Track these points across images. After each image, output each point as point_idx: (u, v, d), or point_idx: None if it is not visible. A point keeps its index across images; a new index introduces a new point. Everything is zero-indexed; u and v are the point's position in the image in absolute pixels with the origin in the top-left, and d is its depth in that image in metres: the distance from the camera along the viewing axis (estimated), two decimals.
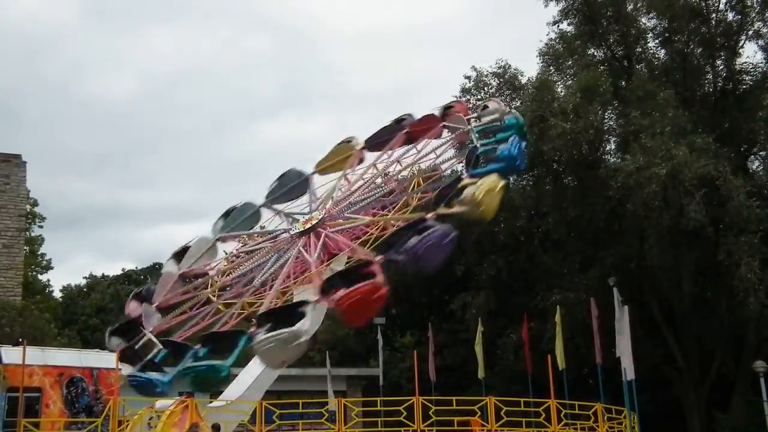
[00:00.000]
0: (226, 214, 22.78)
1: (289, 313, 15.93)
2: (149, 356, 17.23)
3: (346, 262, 19.05)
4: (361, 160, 23.15)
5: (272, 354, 15.71)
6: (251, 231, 23.01)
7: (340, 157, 23.11)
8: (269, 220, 22.94)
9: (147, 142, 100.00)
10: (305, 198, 22.85)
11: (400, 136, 22.48)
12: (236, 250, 22.56)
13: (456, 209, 16.73)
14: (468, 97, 34.84)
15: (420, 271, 16.80)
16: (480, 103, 25.34)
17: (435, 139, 22.24)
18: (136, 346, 18.03)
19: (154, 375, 16.73)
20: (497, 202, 17.08)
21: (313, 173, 23.46)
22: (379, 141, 22.77)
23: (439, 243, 15.94)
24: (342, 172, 22.67)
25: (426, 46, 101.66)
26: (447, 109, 22.49)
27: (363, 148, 23.09)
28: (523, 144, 19.34)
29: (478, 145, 19.96)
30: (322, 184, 22.95)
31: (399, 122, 22.77)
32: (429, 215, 16.72)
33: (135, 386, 17.04)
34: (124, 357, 17.84)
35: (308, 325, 15.39)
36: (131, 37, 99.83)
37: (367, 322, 20.09)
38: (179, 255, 21.72)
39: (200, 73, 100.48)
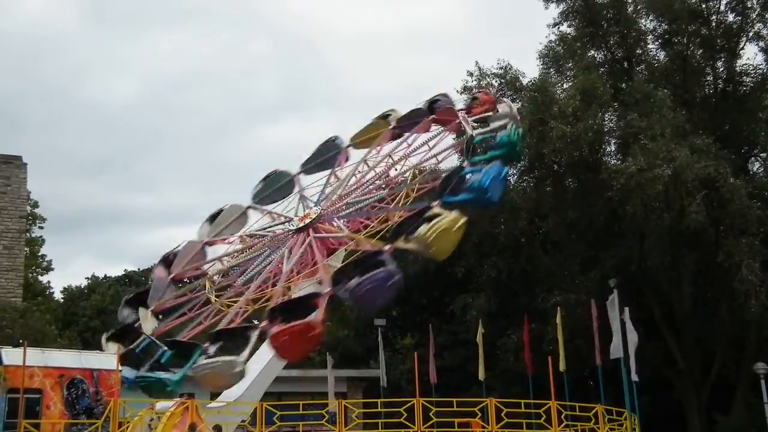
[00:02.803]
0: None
1: (237, 336, 16.16)
2: (154, 357, 17.25)
3: (344, 260, 19.13)
4: (397, 136, 23.03)
5: (210, 380, 16.14)
6: (246, 231, 23.03)
7: (372, 133, 23.14)
8: (257, 222, 23.00)
9: (149, 145, 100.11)
10: (291, 198, 22.93)
11: (388, 132, 22.58)
12: (234, 249, 22.56)
13: (409, 246, 16.50)
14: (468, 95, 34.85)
15: (362, 311, 16.80)
16: (473, 95, 25.12)
17: (423, 132, 22.30)
18: (138, 350, 18.07)
19: (163, 374, 16.75)
20: (454, 241, 16.68)
21: (300, 173, 23.46)
22: (407, 123, 22.74)
23: (381, 286, 15.75)
24: (330, 170, 22.81)
25: (427, 48, 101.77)
26: (433, 103, 22.54)
27: (393, 128, 23.12)
28: (504, 172, 18.68)
29: (474, 134, 19.95)
30: (309, 183, 23.09)
31: (432, 104, 22.58)
32: (386, 248, 16.56)
33: (144, 387, 17.02)
34: (126, 360, 17.89)
35: (246, 355, 15.73)
36: (133, 41, 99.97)
37: (303, 357, 20.13)
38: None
39: (201, 76, 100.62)
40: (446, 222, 16.34)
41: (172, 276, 21.14)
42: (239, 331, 17.12)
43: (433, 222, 16.32)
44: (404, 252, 16.51)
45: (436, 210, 16.73)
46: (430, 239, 16.13)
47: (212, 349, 16.34)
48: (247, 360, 16.11)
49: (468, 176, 18.57)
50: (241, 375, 16.01)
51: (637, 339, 24.74)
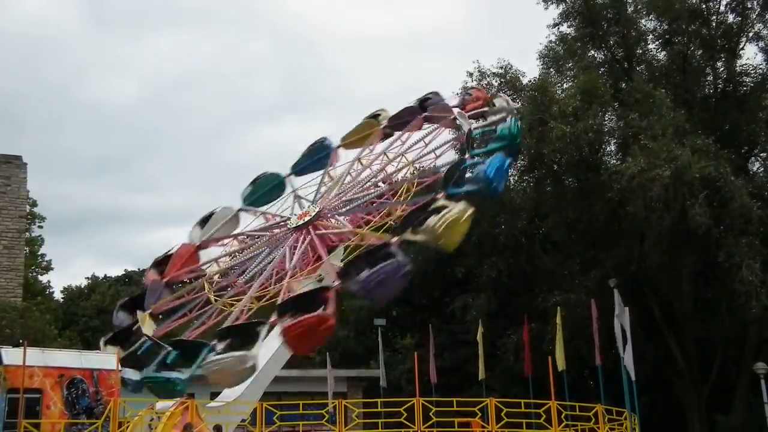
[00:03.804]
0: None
1: (246, 333, 16.14)
2: (159, 358, 17.22)
3: (346, 256, 19.14)
4: (387, 136, 23.08)
5: (221, 376, 16.02)
6: (241, 231, 23.00)
7: (362, 133, 23.16)
8: (250, 224, 22.98)
9: (148, 146, 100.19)
10: (284, 199, 22.93)
11: (379, 132, 22.60)
12: (231, 250, 22.55)
13: (418, 237, 16.48)
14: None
15: (373, 303, 16.75)
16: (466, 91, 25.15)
17: (416, 131, 22.32)
18: (139, 351, 18.04)
19: (172, 374, 16.70)
20: (462, 232, 16.65)
21: (290, 174, 23.48)
22: (399, 122, 22.77)
23: (391, 277, 15.76)
24: (323, 170, 22.83)
25: (427, 49, 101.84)
26: (424, 101, 22.56)
27: (385, 127, 23.14)
28: (507, 162, 18.73)
29: (471, 128, 19.97)
30: (301, 185, 23.09)
31: (423, 102, 22.61)
32: (394, 240, 16.52)
33: (152, 388, 16.92)
34: (127, 362, 17.86)
35: (257, 349, 15.67)
36: (133, 41, 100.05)
37: (313, 351, 20.04)
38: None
39: (201, 77, 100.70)
40: (455, 213, 16.35)
41: (166, 279, 21.10)
42: (249, 326, 17.00)
43: (442, 213, 16.31)
44: (408, 247, 16.44)
45: (443, 202, 16.74)
46: (439, 230, 16.12)
47: (221, 346, 16.25)
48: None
49: (470, 168, 18.67)
50: (254, 369, 15.86)
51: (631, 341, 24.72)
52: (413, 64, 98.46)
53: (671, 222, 28.18)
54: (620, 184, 28.23)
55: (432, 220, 16.24)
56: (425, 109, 22.40)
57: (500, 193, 19.32)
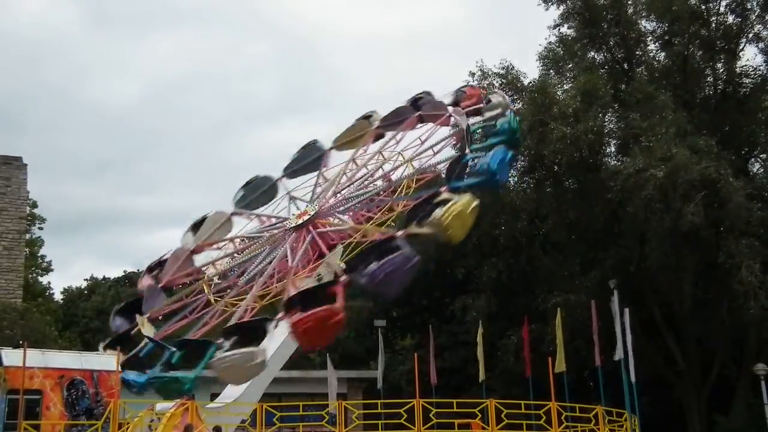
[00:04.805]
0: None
1: (254, 329, 16.08)
2: (164, 358, 17.22)
3: (342, 257, 19.14)
4: (377, 138, 23.08)
5: (231, 373, 16.05)
6: (237, 234, 23.00)
7: (355, 135, 23.19)
8: (245, 227, 23.00)
9: (149, 146, 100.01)
10: (278, 201, 22.96)
11: (372, 133, 22.63)
12: (228, 252, 22.55)
13: (425, 230, 16.50)
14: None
15: (381, 296, 16.72)
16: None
17: (410, 130, 22.37)
18: (141, 354, 18.06)
19: (179, 373, 16.70)
20: (468, 224, 16.74)
21: (282, 176, 23.50)
22: (392, 122, 22.79)
23: (399, 269, 15.78)
24: (317, 172, 22.86)
25: (427, 50, 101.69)
26: (417, 101, 22.57)
27: (378, 127, 23.23)
28: (509, 155, 18.86)
29: (469, 124, 20.02)
30: (295, 186, 23.10)
31: (416, 101, 22.68)
32: (399, 233, 16.53)
33: (159, 388, 16.92)
34: (130, 365, 17.87)
35: (266, 344, 15.71)
36: (134, 42, 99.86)
37: (323, 347, 20.00)
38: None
39: (202, 78, 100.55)
40: (460, 205, 16.42)
41: (162, 284, 21.10)
42: (256, 323, 17.03)
43: (447, 205, 16.36)
44: (414, 241, 16.44)
45: (447, 195, 16.76)
46: (446, 222, 16.15)
47: (227, 344, 16.23)
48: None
49: (472, 162, 18.81)
50: (263, 366, 15.85)
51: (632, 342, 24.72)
52: (413, 65, 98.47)
53: (671, 223, 28.18)
54: (617, 184, 28.25)
55: (438, 212, 16.28)
56: (419, 108, 22.45)
57: (503, 185, 19.41)
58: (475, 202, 16.67)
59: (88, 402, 20.83)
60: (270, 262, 19.82)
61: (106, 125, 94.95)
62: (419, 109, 22.51)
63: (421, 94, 22.95)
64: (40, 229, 44.48)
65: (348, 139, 23.43)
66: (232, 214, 23.09)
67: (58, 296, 52.98)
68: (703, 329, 32.57)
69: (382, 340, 33.34)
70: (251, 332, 16.31)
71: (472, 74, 34.96)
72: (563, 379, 24.77)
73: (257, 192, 23.46)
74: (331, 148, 23.62)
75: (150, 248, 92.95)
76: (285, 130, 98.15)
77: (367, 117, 23.53)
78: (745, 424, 29.45)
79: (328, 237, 19.87)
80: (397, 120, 22.67)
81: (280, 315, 16.28)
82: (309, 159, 23.49)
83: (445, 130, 22.81)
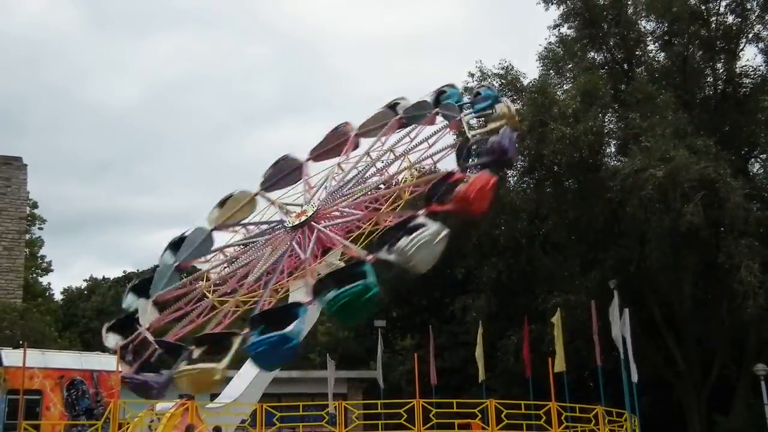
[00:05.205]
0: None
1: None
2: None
3: (341, 257, 19.12)
4: (356, 146, 23.14)
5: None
6: (245, 231, 22.94)
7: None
8: (261, 212, 22.92)
9: (149, 147, 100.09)
10: (297, 186, 22.97)
11: (396, 122, 22.66)
12: (234, 248, 22.52)
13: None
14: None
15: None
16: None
17: (429, 125, 22.37)
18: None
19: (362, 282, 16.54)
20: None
21: (308, 159, 23.48)
22: (413, 115, 22.79)
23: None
24: (295, 183, 22.87)
25: (427, 51, 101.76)
26: (440, 95, 22.60)
27: (357, 135, 23.24)
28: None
29: (470, 137, 20.08)
30: (315, 173, 23.09)
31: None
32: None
33: (342, 305, 16.15)
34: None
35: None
36: (134, 43, 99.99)
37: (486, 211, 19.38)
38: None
39: (202, 79, 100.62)
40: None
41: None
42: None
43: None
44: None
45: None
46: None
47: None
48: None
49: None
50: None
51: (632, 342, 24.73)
52: (413, 66, 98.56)
53: (670, 223, 28.18)
54: (617, 184, 28.25)
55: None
56: (440, 103, 22.45)
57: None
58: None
59: (88, 402, 20.88)
60: (275, 261, 19.76)
61: (106, 126, 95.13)
62: (440, 104, 22.45)
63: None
64: (40, 229, 44.59)
65: (373, 127, 23.35)
66: (256, 194, 23.04)
67: (58, 296, 53.05)
68: (703, 329, 32.57)
69: (381, 341, 33.36)
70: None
71: (472, 75, 35.01)
72: (563, 379, 24.76)
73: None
74: (308, 159, 23.46)
75: (150, 248, 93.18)
76: (285, 131, 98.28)
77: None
78: (745, 424, 29.45)
79: (335, 230, 19.84)
80: (418, 114, 22.61)
81: (245, 331, 16.38)
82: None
83: (435, 128, 22.74)
